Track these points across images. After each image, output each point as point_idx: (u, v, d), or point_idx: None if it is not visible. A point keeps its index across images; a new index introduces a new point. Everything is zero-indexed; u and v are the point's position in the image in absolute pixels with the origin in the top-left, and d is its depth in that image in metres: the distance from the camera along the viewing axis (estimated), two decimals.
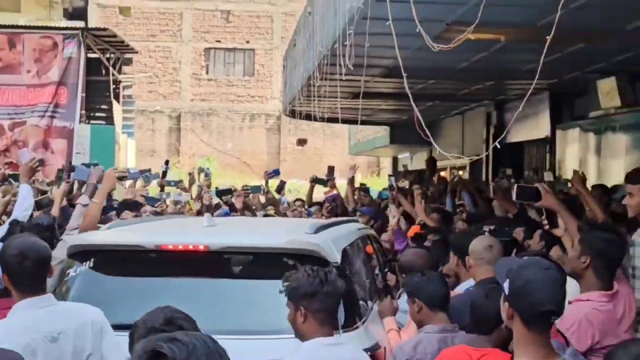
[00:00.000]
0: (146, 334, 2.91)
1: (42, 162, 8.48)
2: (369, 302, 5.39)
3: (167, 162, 12.95)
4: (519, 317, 3.08)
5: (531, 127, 13.28)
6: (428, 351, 4.27)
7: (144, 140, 37.09)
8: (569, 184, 7.05)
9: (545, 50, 4.94)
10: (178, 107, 39.54)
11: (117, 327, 4.64)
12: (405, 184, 10.91)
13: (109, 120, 22.23)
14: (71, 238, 5.19)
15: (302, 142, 32.95)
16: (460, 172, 14.67)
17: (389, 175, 11.58)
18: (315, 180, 11.65)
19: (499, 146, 6.73)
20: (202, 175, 12.39)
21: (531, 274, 3.11)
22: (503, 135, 12.14)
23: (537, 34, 7.96)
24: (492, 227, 6.64)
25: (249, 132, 39.60)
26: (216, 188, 11.34)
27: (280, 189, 12.01)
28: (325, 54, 8.73)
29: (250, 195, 10.64)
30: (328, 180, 11.54)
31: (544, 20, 7.26)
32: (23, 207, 6.35)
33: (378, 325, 5.13)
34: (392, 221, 7.51)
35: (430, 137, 6.03)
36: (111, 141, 20.66)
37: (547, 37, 4.38)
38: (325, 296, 3.84)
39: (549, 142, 13.14)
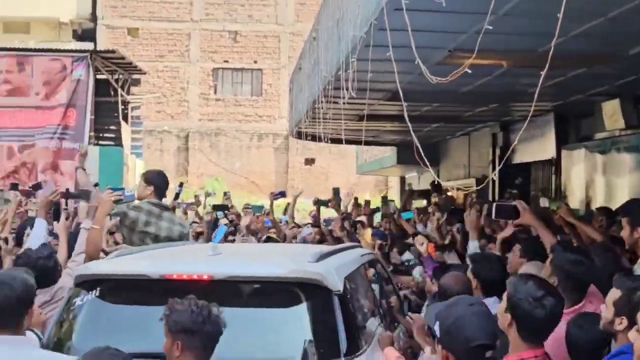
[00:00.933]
0: None
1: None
2: (373, 329, 5.45)
3: (181, 185, 13.00)
4: (455, 356, 3.14)
5: (537, 148, 13.33)
6: None
7: (153, 160, 37.21)
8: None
9: (542, 77, 5.03)
10: (186, 127, 39.71)
11: None
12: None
13: (118, 141, 22.33)
14: (78, 268, 5.25)
15: (309, 161, 33.07)
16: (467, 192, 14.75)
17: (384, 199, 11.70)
18: (318, 202, 11.84)
19: (495, 177, 6.77)
20: (210, 197, 12.48)
21: (459, 311, 3.20)
22: (507, 157, 12.28)
23: (538, 59, 8.05)
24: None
25: (257, 151, 39.73)
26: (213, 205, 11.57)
27: (286, 210, 12.16)
28: (329, 79, 8.84)
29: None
30: (329, 201, 11.72)
31: (545, 47, 7.34)
32: (34, 245, 6.39)
33: (381, 352, 5.19)
34: (421, 249, 7.55)
35: (429, 167, 6.06)
36: (119, 162, 20.77)
37: (542, 72, 4.44)
38: (205, 335, 3.86)
39: (555, 163, 13.20)
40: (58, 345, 4.95)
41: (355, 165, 27.92)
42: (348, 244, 7.44)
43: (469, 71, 4.96)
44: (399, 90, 9.92)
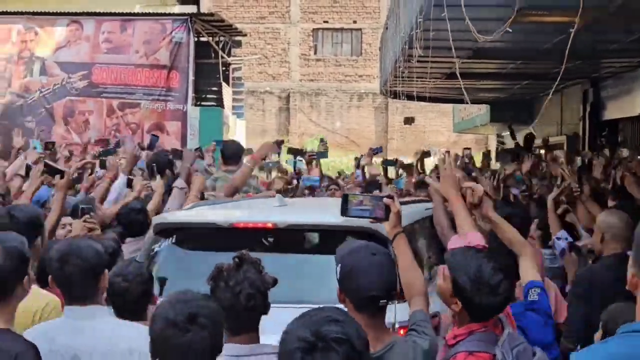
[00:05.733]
0: None
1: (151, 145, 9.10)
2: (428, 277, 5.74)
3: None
4: (349, 300, 3.21)
5: (625, 103, 13.21)
6: None
7: (255, 120, 38.00)
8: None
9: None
10: (287, 88, 40.32)
11: None
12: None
13: (219, 102, 22.88)
14: (156, 217, 5.73)
15: (409, 120, 33.14)
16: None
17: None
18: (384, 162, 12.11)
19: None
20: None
21: (358, 259, 3.23)
22: (596, 113, 12.19)
23: (610, 16, 8.10)
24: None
25: (356, 111, 40.04)
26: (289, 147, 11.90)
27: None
28: (405, 39, 9.06)
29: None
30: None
31: (617, 2, 7.41)
32: (112, 196, 6.96)
33: (435, 298, 5.49)
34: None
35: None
36: (219, 122, 21.35)
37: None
38: None
39: None
40: None
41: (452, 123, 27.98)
42: (416, 198, 7.72)
43: (510, 30, 5.13)
44: (482, 47, 10.10)
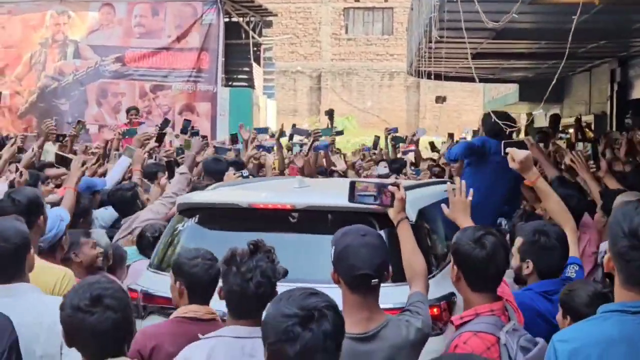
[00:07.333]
0: None
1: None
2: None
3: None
4: (343, 280, 3.34)
5: None
6: None
7: (286, 100, 38.15)
8: None
9: None
10: (318, 67, 40.38)
11: None
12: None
13: (250, 82, 23.07)
14: (180, 197, 5.91)
15: (440, 99, 33.07)
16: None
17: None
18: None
19: None
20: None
21: (349, 240, 3.37)
22: (623, 93, 12.15)
23: None
24: None
25: (388, 90, 40.01)
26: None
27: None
28: (425, 21, 9.12)
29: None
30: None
31: None
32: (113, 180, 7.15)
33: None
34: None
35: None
36: (249, 103, 21.55)
37: None
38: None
39: None
40: (160, 265, 5.65)
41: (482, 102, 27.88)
42: (436, 179, 7.82)
43: (516, 16, 5.20)
44: (505, 27, 10.14)
